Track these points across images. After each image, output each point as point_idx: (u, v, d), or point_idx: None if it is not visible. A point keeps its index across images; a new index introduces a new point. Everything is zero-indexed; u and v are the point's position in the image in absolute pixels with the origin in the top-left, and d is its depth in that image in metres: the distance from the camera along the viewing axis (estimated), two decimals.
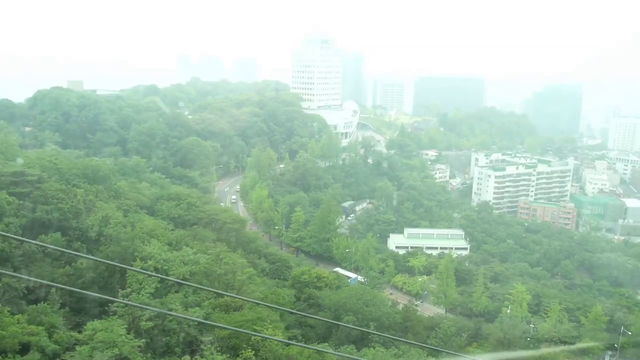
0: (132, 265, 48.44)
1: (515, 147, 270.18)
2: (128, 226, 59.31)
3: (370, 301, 54.99)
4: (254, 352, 39.28)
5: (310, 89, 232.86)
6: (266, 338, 37.39)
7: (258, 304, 42.65)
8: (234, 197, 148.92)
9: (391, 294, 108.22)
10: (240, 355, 39.08)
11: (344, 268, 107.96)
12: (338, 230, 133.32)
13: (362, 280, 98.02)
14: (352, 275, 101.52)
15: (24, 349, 38.38)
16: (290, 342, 38.93)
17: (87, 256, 47.95)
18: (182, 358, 35.19)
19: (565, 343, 77.28)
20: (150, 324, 37.69)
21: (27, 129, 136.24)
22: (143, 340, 35.78)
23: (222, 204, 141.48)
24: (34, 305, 41.89)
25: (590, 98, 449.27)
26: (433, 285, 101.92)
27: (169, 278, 43.84)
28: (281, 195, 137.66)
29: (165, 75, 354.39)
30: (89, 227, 57.63)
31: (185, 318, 36.66)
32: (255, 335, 36.37)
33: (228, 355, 38.23)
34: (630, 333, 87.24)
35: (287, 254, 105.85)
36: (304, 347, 37.20)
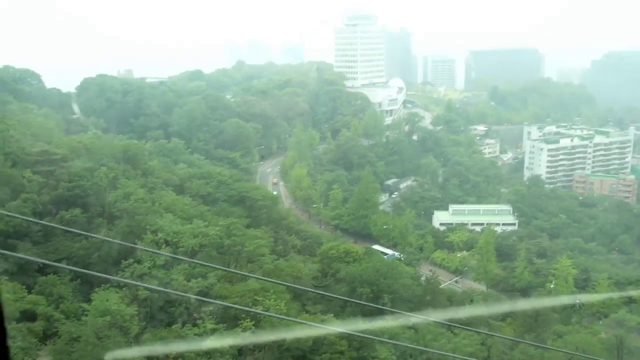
0: (142, 238, 48.89)
1: (571, 119, 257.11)
2: (148, 202, 59.94)
3: (387, 273, 53.29)
4: (254, 322, 38.67)
5: (354, 67, 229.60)
6: (250, 312, 36.42)
7: (248, 276, 41.85)
8: (275, 179, 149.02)
9: (430, 270, 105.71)
10: (240, 326, 38.56)
11: (382, 245, 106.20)
12: (381, 208, 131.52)
13: (399, 256, 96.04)
14: (389, 251, 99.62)
15: (31, 317, 39.34)
16: (277, 316, 37.79)
17: (85, 233, 48.41)
18: (174, 326, 34.90)
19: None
20: (147, 293, 37.59)
21: (75, 116, 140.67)
22: (136, 309, 35.75)
23: (264, 184, 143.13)
24: (44, 277, 42.86)
25: None
26: (474, 262, 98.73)
27: (164, 254, 43.60)
28: (321, 175, 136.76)
29: (216, 61, 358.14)
30: (111, 203, 58.58)
31: (172, 292, 36.32)
32: (245, 310, 35.51)
33: (226, 325, 37.73)
34: None
35: (322, 231, 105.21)
36: (293, 320, 36.01)
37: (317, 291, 45.62)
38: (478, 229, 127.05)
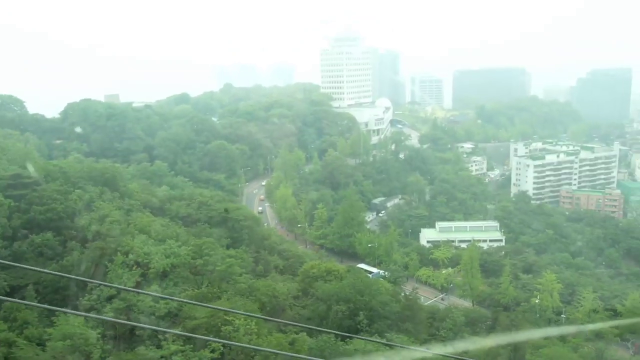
0: (113, 260, 48.12)
1: (558, 135, 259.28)
2: (124, 224, 59.19)
3: (365, 290, 52.57)
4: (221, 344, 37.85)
5: (340, 87, 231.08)
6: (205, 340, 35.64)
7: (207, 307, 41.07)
8: (262, 197, 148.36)
9: (416, 288, 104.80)
10: (208, 347, 37.74)
11: (368, 264, 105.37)
12: (368, 227, 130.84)
13: (383, 274, 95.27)
14: (374, 270, 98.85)
15: None
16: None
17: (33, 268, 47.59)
18: (137, 349, 34.04)
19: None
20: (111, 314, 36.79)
21: (58, 141, 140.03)
22: (99, 331, 34.91)
23: (250, 205, 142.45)
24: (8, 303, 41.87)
25: None
26: (459, 278, 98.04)
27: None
28: (306, 194, 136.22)
29: (205, 84, 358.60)
30: (85, 226, 57.78)
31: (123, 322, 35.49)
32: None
33: (192, 346, 36.90)
34: None
35: (307, 251, 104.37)
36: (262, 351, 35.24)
37: (275, 319, 44.65)
38: (465, 245, 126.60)
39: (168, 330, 36.91)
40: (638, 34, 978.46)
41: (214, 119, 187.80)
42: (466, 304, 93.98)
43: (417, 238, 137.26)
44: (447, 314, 63.97)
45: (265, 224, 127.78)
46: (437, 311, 71.44)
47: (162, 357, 35.96)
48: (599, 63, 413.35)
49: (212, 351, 37.79)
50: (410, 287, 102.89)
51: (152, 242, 50.74)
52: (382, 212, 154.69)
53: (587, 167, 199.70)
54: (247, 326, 39.20)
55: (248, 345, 33.11)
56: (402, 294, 57.87)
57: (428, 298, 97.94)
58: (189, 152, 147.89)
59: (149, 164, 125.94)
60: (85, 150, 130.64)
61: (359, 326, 47.64)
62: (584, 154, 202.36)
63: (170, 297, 45.10)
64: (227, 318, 39.75)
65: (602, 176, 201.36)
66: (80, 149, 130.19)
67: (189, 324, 38.94)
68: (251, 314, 40.23)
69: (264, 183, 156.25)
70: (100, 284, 43.11)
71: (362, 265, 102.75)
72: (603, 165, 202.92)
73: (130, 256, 47.24)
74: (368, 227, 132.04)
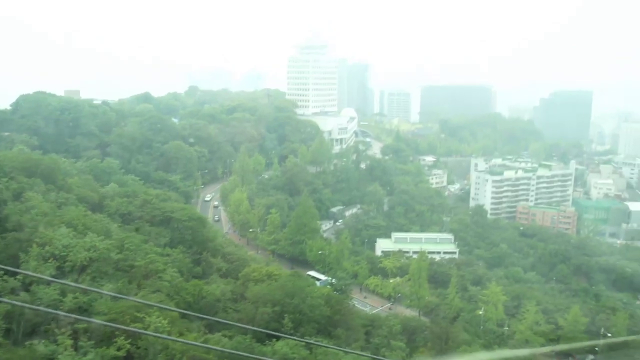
0: (29, 251, 45.73)
1: (519, 152, 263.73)
2: (50, 216, 56.56)
3: (294, 293, 51.17)
4: (130, 340, 35.95)
5: (305, 95, 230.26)
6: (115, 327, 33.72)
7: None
8: (216, 202, 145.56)
9: (365, 297, 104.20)
10: (114, 344, 35.76)
11: (318, 271, 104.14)
12: (325, 235, 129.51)
13: (331, 281, 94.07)
14: (323, 277, 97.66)
15: None
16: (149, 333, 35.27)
17: None
18: (27, 343, 31.88)
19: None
20: (7, 308, 34.49)
21: (7, 133, 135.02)
22: None
23: (205, 208, 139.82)
24: None
25: (604, 104, 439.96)
26: (407, 288, 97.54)
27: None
28: (261, 199, 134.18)
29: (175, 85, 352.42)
30: (7, 216, 54.98)
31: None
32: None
33: (94, 343, 34.86)
34: (610, 335, 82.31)
35: (256, 256, 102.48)
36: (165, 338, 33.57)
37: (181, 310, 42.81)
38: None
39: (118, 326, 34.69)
40: (601, 57, 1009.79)
41: (175, 119, 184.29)
42: (413, 313, 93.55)
43: (374, 248, 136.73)
44: (384, 322, 62.91)
45: (222, 229, 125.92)
46: (377, 319, 70.45)
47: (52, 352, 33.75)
48: (563, 84, 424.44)
49: (119, 349, 35.82)
50: (360, 296, 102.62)
51: (73, 235, 48.33)
52: (340, 220, 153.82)
53: (544, 184, 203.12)
54: (158, 324, 37.33)
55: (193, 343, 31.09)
56: (334, 300, 56.28)
57: (374, 307, 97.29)
58: (145, 152, 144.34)
59: (100, 160, 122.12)
60: (34, 144, 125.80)
61: (283, 329, 46.17)
62: (541, 171, 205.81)
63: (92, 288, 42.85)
64: (138, 315, 37.85)
65: (559, 193, 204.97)
66: (29, 142, 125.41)
67: (97, 320, 36.84)
68: (168, 307, 38.31)
69: (220, 187, 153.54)
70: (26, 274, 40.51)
71: (313, 273, 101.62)
72: (559, 183, 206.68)
73: (47, 248, 44.86)
74: (325, 235, 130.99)
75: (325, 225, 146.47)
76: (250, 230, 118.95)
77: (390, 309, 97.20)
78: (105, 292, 38.63)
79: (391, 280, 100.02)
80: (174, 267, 58.29)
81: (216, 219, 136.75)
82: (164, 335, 34.99)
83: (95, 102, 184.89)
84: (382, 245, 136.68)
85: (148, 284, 45.46)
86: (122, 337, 35.58)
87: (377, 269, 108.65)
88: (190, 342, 33.41)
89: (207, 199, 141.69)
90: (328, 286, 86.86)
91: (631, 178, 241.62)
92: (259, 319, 47.27)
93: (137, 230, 68.68)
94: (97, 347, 35.10)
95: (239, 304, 59.77)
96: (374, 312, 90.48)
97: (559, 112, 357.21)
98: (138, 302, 37.33)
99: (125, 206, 79.60)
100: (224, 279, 74.73)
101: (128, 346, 35.75)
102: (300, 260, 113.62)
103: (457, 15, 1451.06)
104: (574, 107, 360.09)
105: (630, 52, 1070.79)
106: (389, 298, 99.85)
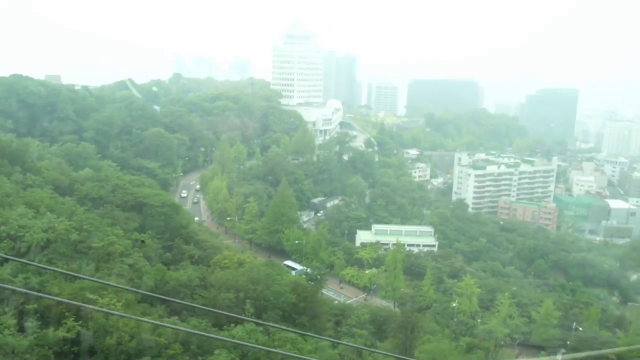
0: None
1: (503, 148, 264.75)
2: (13, 197, 55.13)
3: (259, 280, 50.43)
4: (80, 321, 34.91)
5: (290, 85, 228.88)
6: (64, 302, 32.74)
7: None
8: (194, 191, 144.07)
9: (341, 287, 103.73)
10: (64, 325, 34.68)
11: (294, 260, 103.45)
12: (305, 225, 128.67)
13: (307, 271, 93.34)
14: (298, 267, 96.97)
15: None
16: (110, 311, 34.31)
17: None
18: None
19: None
20: None
21: None
22: None
23: (182, 194, 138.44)
24: None
25: (590, 102, 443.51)
26: (382, 279, 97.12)
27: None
28: (240, 188, 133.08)
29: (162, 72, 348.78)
30: None
31: None
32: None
33: (41, 323, 33.81)
34: (581, 329, 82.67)
35: (232, 244, 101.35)
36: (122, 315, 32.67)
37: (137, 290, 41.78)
38: None
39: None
40: (590, 56, 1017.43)
41: (156, 107, 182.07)
42: (388, 304, 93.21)
43: (354, 240, 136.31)
44: (353, 312, 62.37)
45: (200, 217, 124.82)
46: (348, 309, 69.92)
47: None
48: (551, 81, 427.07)
49: (68, 330, 34.75)
50: (337, 286, 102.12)
51: (32, 216, 47.03)
52: (321, 212, 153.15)
53: (526, 180, 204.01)
54: (112, 306, 36.30)
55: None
56: (300, 288, 55.50)
57: (349, 297, 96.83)
58: (124, 138, 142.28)
59: (76, 145, 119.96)
60: (9, 127, 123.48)
61: (245, 314, 45.37)
62: (524, 167, 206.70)
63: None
64: (90, 297, 36.79)
65: (540, 189, 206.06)
66: (4, 126, 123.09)
67: (47, 301, 35.72)
68: (124, 287, 37.29)
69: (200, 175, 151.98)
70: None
71: (289, 262, 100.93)
72: (541, 179, 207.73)
73: (3, 228, 43.55)
74: (305, 226, 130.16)
75: (306, 216, 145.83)
76: (228, 218, 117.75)
77: (365, 299, 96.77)
78: (59, 270, 37.54)
79: (367, 272, 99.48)
80: (141, 252, 57.13)
81: (195, 201, 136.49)
82: (117, 312, 33.90)
83: (76, 87, 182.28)
84: (362, 237, 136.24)
85: (107, 266, 44.40)
86: (72, 319, 34.55)
87: (354, 260, 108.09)
88: (137, 317, 32.44)
89: (183, 195, 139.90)
90: (303, 276, 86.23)
91: (613, 176, 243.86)
92: (221, 304, 46.42)
93: (104, 214, 67.21)
94: (45, 328, 34.05)
95: (207, 291, 58.90)
96: (348, 302, 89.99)
97: (544, 109, 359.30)
98: (93, 280, 36.32)
99: (96, 190, 78.00)
100: (195, 266, 73.72)
101: (78, 328, 34.69)
102: (277, 250, 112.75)
103: (448, 11, 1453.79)
104: (560, 105, 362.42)
105: (618, 51, 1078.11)
106: (364, 289, 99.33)
